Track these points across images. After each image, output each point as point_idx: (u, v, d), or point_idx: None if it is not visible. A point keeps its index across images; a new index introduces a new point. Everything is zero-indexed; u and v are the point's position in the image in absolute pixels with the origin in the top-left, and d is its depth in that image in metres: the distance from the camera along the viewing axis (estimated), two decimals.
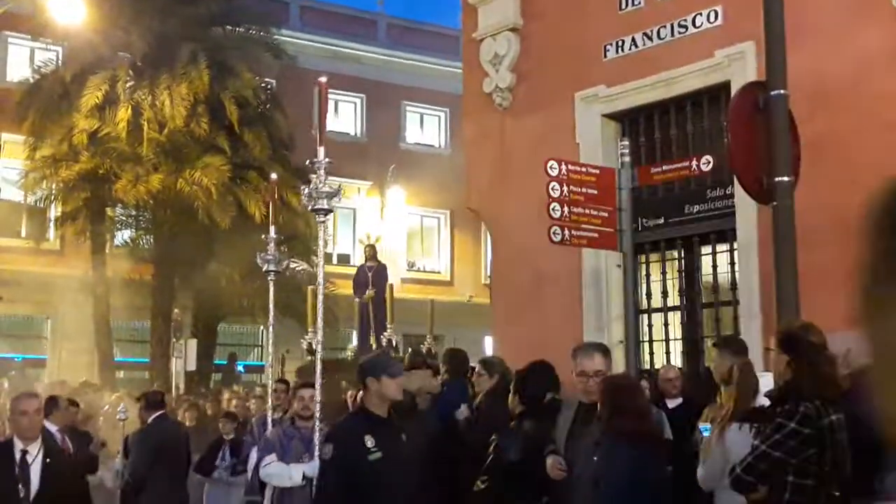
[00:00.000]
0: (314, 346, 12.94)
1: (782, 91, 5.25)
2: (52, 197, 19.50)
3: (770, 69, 5.33)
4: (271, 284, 7.38)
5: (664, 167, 7.57)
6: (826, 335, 3.98)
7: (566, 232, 7.13)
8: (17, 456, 5.31)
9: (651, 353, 8.55)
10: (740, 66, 7.66)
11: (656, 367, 7.99)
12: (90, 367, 19.32)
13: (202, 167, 18.06)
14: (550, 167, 7.14)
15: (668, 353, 8.44)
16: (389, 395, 5.00)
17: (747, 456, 3.83)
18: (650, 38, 8.50)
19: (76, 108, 18.56)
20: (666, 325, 8.48)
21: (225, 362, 21.56)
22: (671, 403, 6.77)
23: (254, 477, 7.33)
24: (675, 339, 8.47)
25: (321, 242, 5.91)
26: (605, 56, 8.84)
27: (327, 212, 5.49)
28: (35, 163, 19.06)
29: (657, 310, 8.54)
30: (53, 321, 21.69)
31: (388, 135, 25.78)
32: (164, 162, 18.31)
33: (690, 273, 8.38)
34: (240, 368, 22.45)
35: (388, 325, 13.85)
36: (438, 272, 26.67)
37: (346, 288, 14.90)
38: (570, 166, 7.26)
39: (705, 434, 4.91)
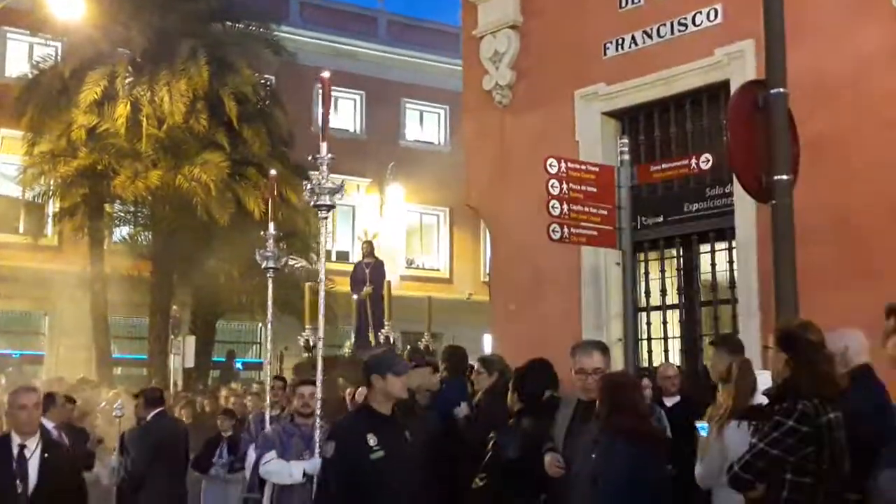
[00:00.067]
0: (311, 343, 13.03)
1: (782, 90, 5.25)
2: (51, 193, 19.46)
3: (769, 68, 5.33)
4: (270, 281, 7.37)
5: (663, 165, 7.57)
6: (824, 333, 3.98)
7: (565, 230, 7.12)
8: (15, 451, 5.28)
9: (650, 352, 8.56)
10: (740, 64, 7.66)
11: (655, 365, 7.99)
12: (88, 363, 19.31)
13: (201, 163, 18.04)
14: (550, 165, 7.14)
15: (666, 351, 8.45)
16: (394, 393, 4.98)
17: (745, 454, 3.83)
18: (650, 36, 8.50)
19: (75, 103, 18.53)
20: (665, 323, 8.48)
21: (223, 359, 21.56)
22: (669, 401, 6.78)
23: (253, 474, 7.32)
24: (673, 338, 8.47)
25: (323, 239, 5.89)
26: (605, 54, 8.84)
27: (329, 208, 5.47)
28: (33, 158, 19.03)
29: (656, 308, 8.54)
30: (51, 317, 21.68)
31: (388, 132, 25.78)
32: (162, 158, 18.29)
33: (689, 271, 8.38)
34: (238, 365, 22.45)
35: (386, 322, 13.86)
36: (437, 269, 26.68)
37: (345, 285, 14.90)
38: (569, 164, 7.26)
39: (702, 432, 4.92)
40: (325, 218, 5.61)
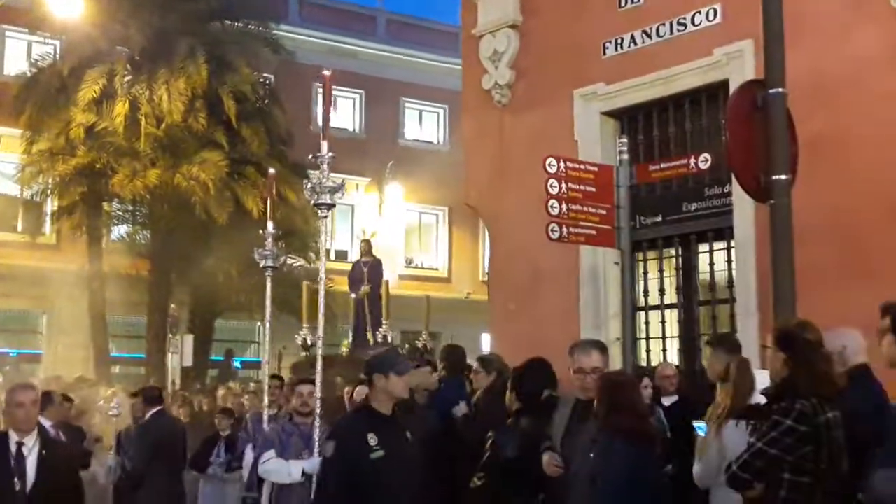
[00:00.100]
0: (309, 342, 13.04)
1: (780, 89, 5.26)
2: (49, 191, 19.45)
3: (768, 67, 5.34)
4: (268, 280, 7.36)
5: (662, 165, 7.57)
6: (822, 333, 3.98)
7: (564, 229, 7.12)
8: (13, 448, 5.25)
9: (648, 351, 8.56)
10: (739, 64, 7.66)
11: (653, 364, 7.99)
12: (86, 362, 19.29)
13: (200, 162, 18.04)
14: (549, 164, 7.13)
15: (664, 350, 8.45)
16: (396, 392, 4.96)
17: (743, 453, 3.83)
18: (649, 36, 8.50)
19: (73, 102, 18.53)
20: (663, 322, 8.49)
21: (222, 358, 21.54)
22: (667, 401, 6.78)
23: (251, 473, 7.32)
24: (671, 337, 8.47)
25: (323, 238, 5.87)
26: (605, 53, 8.84)
27: (330, 206, 5.46)
28: (32, 157, 19.01)
29: (654, 307, 8.54)
30: (49, 316, 21.66)
31: (387, 131, 25.78)
32: (161, 157, 18.28)
33: (688, 271, 8.39)
34: (236, 364, 22.45)
35: (384, 322, 13.86)
36: (436, 269, 26.68)
37: (343, 284, 14.90)
38: (568, 163, 7.25)
39: (700, 432, 4.92)
40: (326, 217, 5.60)
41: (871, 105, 6.93)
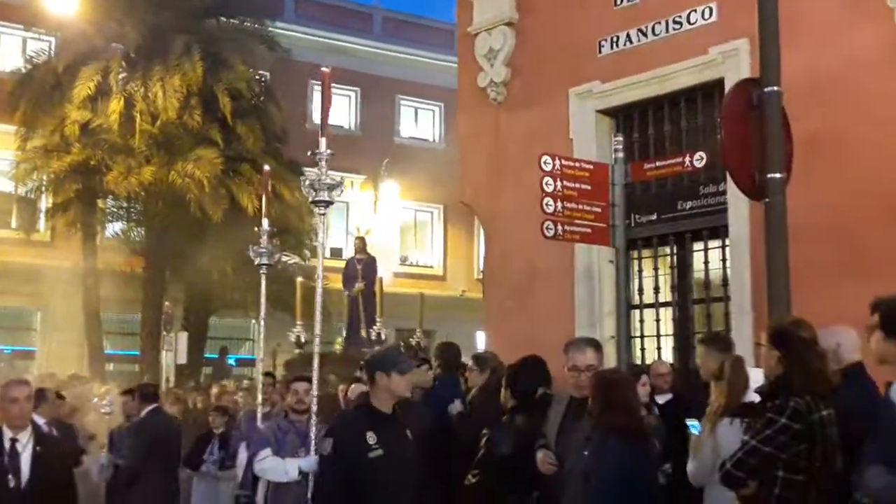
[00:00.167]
0: (304, 340, 13.02)
1: (776, 88, 5.26)
2: (43, 188, 19.40)
3: (764, 66, 5.34)
4: (263, 278, 7.34)
5: (657, 163, 7.56)
6: (817, 331, 3.99)
7: (559, 227, 7.12)
8: (7, 445, 5.23)
9: (642, 349, 8.57)
10: (734, 62, 7.67)
11: (647, 362, 8.00)
12: (80, 359, 19.26)
13: (194, 159, 18.00)
14: (544, 162, 7.13)
15: (659, 348, 8.46)
16: (398, 391, 4.92)
17: (738, 451, 3.84)
18: (645, 35, 8.50)
19: (68, 98, 18.49)
20: (658, 320, 8.49)
21: (216, 356, 21.51)
22: (662, 399, 6.78)
23: (245, 472, 7.29)
24: (666, 335, 8.48)
25: (321, 235, 5.84)
26: (600, 52, 8.84)
27: (328, 204, 5.45)
28: (26, 153, 18.97)
29: (649, 305, 8.55)
30: (43, 313, 21.60)
31: (383, 128, 25.74)
32: (156, 154, 18.25)
33: (682, 269, 8.39)
34: (231, 362, 22.41)
35: (378, 319, 13.84)
36: (431, 267, 26.67)
37: (337, 281, 14.89)
38: (563, 161, 7.25)
39: (694, 431, 4.92)
40: (324, 214, 5.57)
41: (867, 104, 6.94)
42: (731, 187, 6.91)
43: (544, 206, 7.02)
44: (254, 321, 21.12)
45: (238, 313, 21.22)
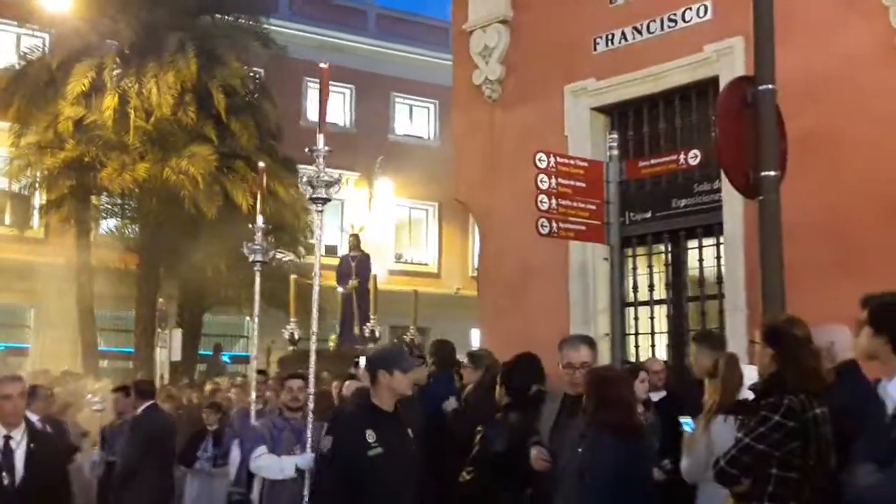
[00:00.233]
0: (297, 337, 13.00)
1: (770, 86, 5.27)
2: (37, 184, 19.34)
3: (758, 64, 5.34)
4: (257, 275, 7.34)
5: (652, 161, 7.57)
6: (811, 329, 3.99)
7: (554, 224, 7.12)
8: (1, 442, 5.19)
9: (637, 347, 8.58)
10: (729, 60, 7.68)
11: (641, 360, 8.01)
12: (73, 356, 19.22)
13: (189, 156, 17.96)
14: (539, 159, 7.13)
15: (653, 346, 8.47)
16: (400, 390, 4.92)
17: (731, 448, 3.84)
18: (640, 32, 8.51)
19: (62, 95, 18.43)
20: (652, 318, 8.50)
21: (210, 353, 21.49)
22: (655, 396, 6.79)
23: (240, 469, 7.27)
24: (660, 333, 8.49)
25: (318, 232, 5.84)
26: (595, 49, 8.84)
27: (326, 201, 5.44)
28: (20, 150, 18.92)
29: (643, 303, 8.56)
30: (37, 309, 21.56)
31: (377, 126, 25.72)
32: (150, 150, 18.20)
33: (677, 267, 8.41)
34: (225, 359, 22.39)
35: (372, 316, 13.84)
36: (426, 264, 26.67)
37: (331, 279, 14.85)
38: (558, 159, 7.25)
39: (687, 428, 4.93)
40: (321, 211, 5.57)
41: (862, 102, 6.95)
42: (725, 185, 6.91)
43: (539, 204, 7.02)
44: (248, 318, 21.12)
45: (232, 310, 21.21)
